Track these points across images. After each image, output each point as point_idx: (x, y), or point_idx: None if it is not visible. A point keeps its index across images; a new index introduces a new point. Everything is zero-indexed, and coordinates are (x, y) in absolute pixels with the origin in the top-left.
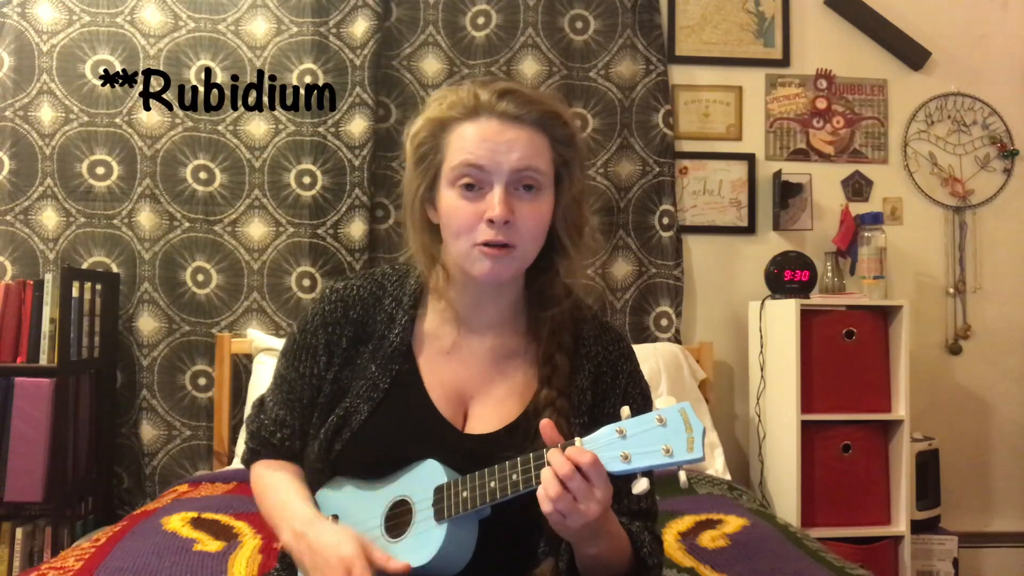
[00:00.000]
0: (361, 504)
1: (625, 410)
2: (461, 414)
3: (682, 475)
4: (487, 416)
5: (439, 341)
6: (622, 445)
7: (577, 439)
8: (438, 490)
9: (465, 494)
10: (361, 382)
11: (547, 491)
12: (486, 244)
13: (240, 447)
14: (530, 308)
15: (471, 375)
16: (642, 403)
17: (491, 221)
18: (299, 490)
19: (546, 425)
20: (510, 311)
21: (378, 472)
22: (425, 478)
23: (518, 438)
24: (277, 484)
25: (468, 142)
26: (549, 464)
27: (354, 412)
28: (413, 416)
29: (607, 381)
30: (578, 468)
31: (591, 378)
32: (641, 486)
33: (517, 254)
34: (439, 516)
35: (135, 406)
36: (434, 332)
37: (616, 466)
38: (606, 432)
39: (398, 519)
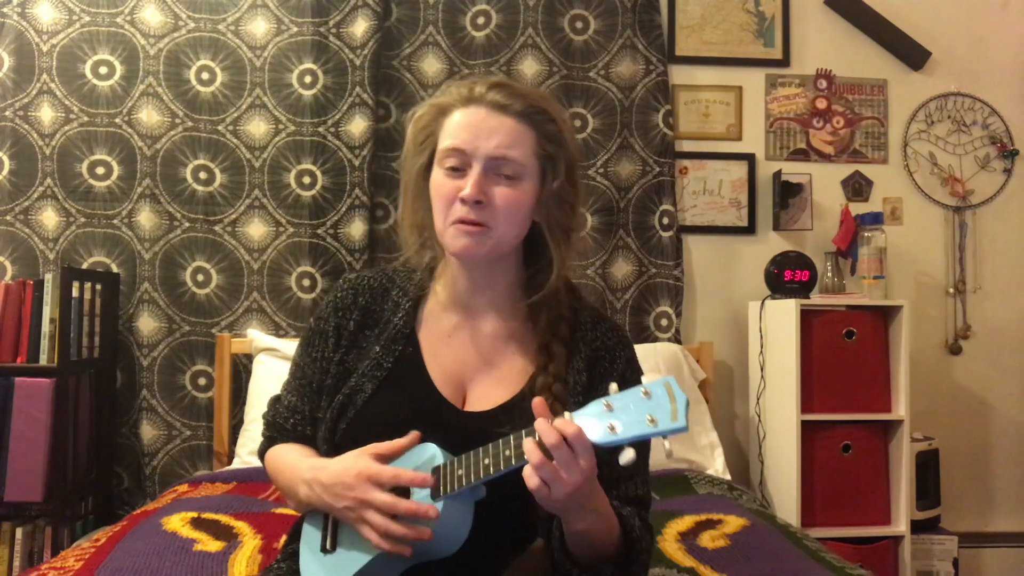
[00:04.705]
0: None
1: (613, 386)
2: (460, 395)
3: (666, 443)
4: (485, 396)
5: (440, 324)
6: (609, 417)
7: (566, 412)
8: (435, 470)
9: (460, 472)
10: (366, 362)
11: (530, 458)
12: (460, 222)
13: (240, 447)
14: (527, 296)
15: (470, 357)
16: None
17: (463, 200)
18: (306, 452)
19: (538, 403)
20: (507, 297)
21: None
22: (422, 460)
23: (514, 416)
24: (285, 455)
25: (456, 127)
26: (536, 432)
27: (359, 390)
28: (414, 395)
29: (604, 365)
30: (564, 438)
31: (587, 361)
32: (628, 456)
33: (491, 234)
34: (435, 494)
35: (135, 406)
36: (436, 316)
37: (604, 437)
38: (594, 406)
39: None
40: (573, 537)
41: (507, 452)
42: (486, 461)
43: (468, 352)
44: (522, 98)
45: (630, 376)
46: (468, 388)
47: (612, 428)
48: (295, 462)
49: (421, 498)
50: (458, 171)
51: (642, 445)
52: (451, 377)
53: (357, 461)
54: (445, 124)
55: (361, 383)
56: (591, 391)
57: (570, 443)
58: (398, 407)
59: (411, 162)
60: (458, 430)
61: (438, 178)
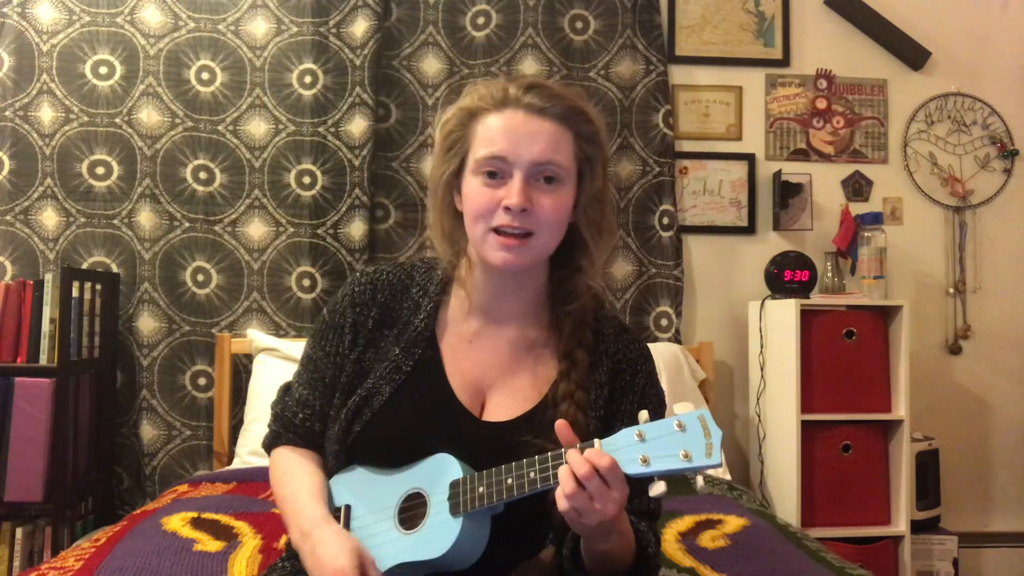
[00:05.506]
0: (375, 494)
1: (643, 414)
2: (479, 403)
3: (699, 479)
4: (504, 405)
5: (461, 329)
6: (641, 448)
7: (596, 440)
8: (454, 484)
9: (481, 490)
10: (384, 364)
11: (564, 489)
12: (500, 231)
13: (240, 447)
14: (552, 302)
15: (491, 365)
16: (658, 405)
17: (507, 208)
18: (313, 485)
19: (562, 426)
20: (532, 304)
21: (393, 459)
22: (440, 471)
23: (534, 426)
24: (293, 474)
25: (493, 132)
26: (567, 463)
27: (376, 393)
28: (432, 401)
29: (626, 379)
30: (596, 470)
31: (609, 374)
32: (659, 489)
33: (535, 243)
34: (455, 510)
35: (135, 406)
36: (457, 320)
37: (635, 468)
38: (625, 435)
39: (412, 511)
40: (592, 555)
41: (532, 474)
42: (509, 481)
43: (489, 359)
44: (560, 100)
45: (650, 390)
46: (487, 396)
47: (644, 460)
48: (299, 498)
49: (439, 511)
50: (496, 177)
51: None
52: (470, 384)
53: (346, 558)
54: (478, 129)
55: (379, 385)
56: (612, 404)
57: (603, 475)
58: (415, 413)
59: (440, 168)
60: (474, 440)
61: (475, 186)
